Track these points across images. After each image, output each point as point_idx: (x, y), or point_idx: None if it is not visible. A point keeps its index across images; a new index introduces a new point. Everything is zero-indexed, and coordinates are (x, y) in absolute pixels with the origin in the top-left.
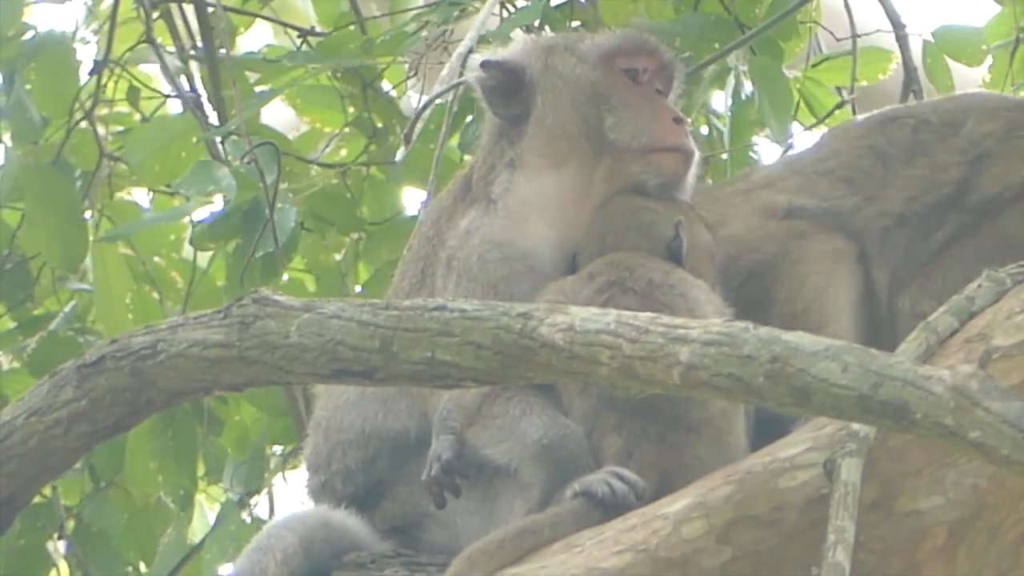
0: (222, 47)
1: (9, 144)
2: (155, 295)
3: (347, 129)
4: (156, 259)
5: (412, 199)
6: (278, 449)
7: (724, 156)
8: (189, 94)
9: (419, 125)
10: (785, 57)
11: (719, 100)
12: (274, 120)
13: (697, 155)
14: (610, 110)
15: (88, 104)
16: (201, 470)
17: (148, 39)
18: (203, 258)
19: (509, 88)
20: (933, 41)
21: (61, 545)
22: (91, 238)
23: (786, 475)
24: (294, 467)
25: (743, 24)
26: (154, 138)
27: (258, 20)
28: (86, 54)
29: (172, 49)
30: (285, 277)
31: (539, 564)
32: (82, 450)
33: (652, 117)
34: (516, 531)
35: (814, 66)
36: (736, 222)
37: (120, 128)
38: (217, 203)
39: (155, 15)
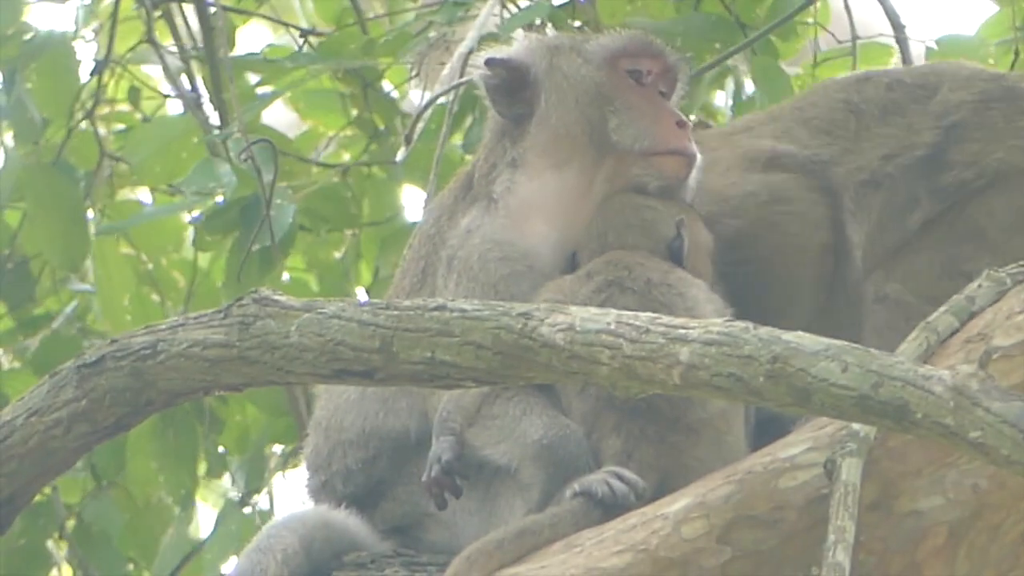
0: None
1: (10, 144)
2: (155, 296)
3: (348, 132)
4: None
5: (412, 199)
6: (278, 449)
7: None
8: (190, 94)
9: (420, 125)
10: (782, 55)
11: (720, 99)
12: (275, 120)
13: (699, 159)
14: (614, 112)
15: (89, 104)
16: (202, 469)
17: (149, 39)
18: (204, 259)
19: (513, 86)
20: (937, 49)
21: (63, 545)
22: (92, 237)
23: (786, 475)
24: (294, 467)
25: (744, 24)
26: (155, 138)
27: (258, 20)
28: (86, 54)
29: (173, 49)
30: (286, 277)
31: (539, 564)
32: (82, 450)
33: (655, 120)
34: (516, 531)
35: (815, 65)
36: (716, 170)
37: (121, 127)
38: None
39: (156, 14)
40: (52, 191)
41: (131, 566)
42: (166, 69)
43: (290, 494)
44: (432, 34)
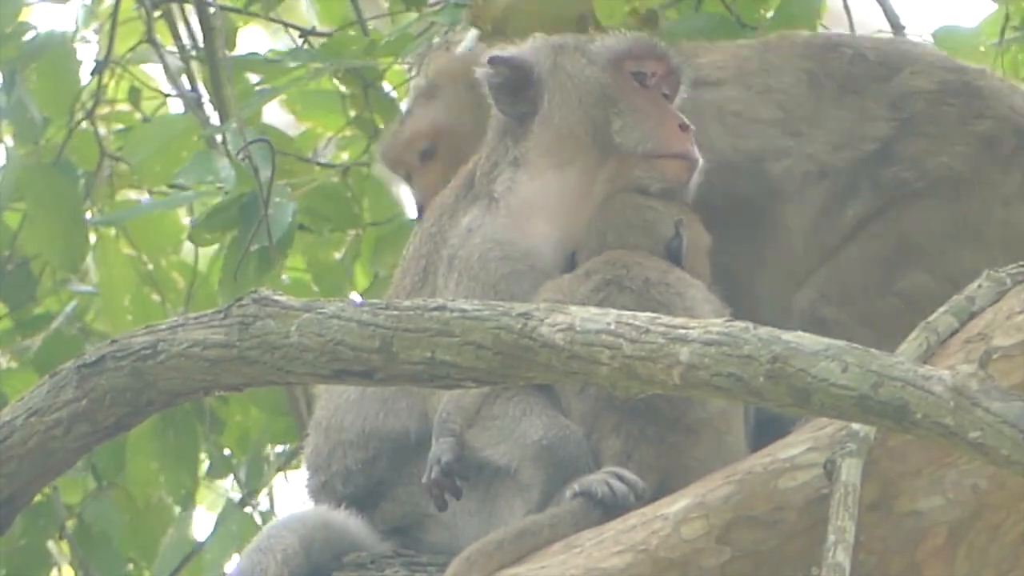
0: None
1: (10, 144)
2: (156, 296)
3: (347, 132)
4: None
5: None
6: (279, 449)
7: None
8: (190, 94)
9: None
10: None
11: None
12: (276, 119)
13: (701, 163)
14: (618, 113)
15: (89, 104)
16: (202, 469)
17: (149, 39)
18: (203, 261)
19: (516, 85)
20: (933, 42)
21: (64, 546)
22: (92, 238)
23: (786, 475)
24: (295, 467)
25: (745, 24)
26: (155, 138)
27: (257, 23)
28: (87, 54)
29: (173, 49)
30: (286, 278)
31: (539, 564)
32: (82, 450)
33: (659, 123)
34: (516, 532)
35: None
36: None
37: (121, 127)
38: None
39: (156, 15)
40: (52, 191)
41: (131, 566)
42: (166, 69)
43: (290, 494)
44: (436, 40)
